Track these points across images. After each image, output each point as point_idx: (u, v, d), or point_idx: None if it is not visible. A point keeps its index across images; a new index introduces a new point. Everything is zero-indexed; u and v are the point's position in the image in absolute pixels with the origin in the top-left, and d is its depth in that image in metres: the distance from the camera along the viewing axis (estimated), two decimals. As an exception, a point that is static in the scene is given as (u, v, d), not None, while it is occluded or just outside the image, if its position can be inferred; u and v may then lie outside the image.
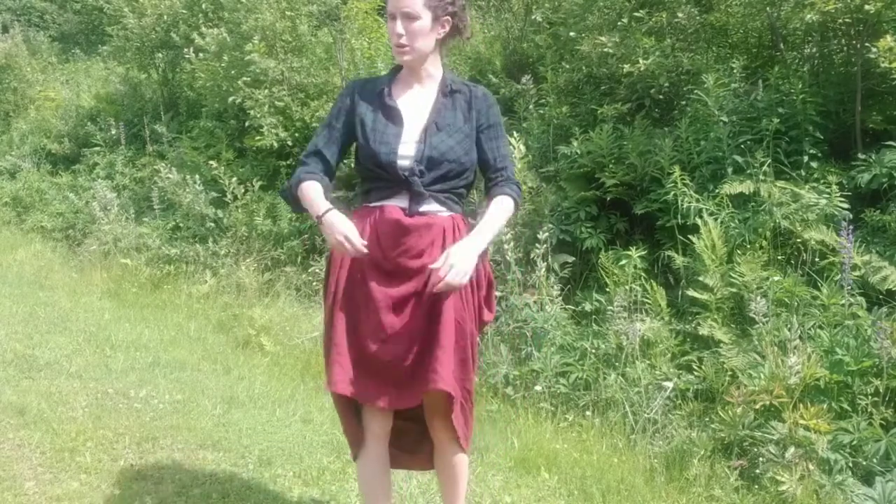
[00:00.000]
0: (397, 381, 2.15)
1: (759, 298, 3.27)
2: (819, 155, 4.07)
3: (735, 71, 4.42)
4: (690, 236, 3.83)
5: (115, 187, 7.68)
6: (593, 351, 3.76)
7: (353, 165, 2.37)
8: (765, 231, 3.76)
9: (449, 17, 2.17)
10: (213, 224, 6.31)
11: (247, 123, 6.41)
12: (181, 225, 6.65)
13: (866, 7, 3.77)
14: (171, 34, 8.00)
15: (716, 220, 3.84)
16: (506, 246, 4.07)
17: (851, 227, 3.30)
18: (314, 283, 5.41)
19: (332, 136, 2.26)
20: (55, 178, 8.89)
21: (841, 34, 4.42)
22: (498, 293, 4.11)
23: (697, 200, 3.98)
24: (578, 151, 4.66)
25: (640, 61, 4.66)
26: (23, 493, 2.88)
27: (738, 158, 4.10)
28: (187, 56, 7.33)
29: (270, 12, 6.38)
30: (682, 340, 3.72)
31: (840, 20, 4.09)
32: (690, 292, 3.72)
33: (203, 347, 4.78)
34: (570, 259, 4.43)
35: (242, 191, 6.14)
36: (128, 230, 6.79)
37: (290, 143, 6.33)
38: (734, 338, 3.50)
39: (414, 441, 2.43)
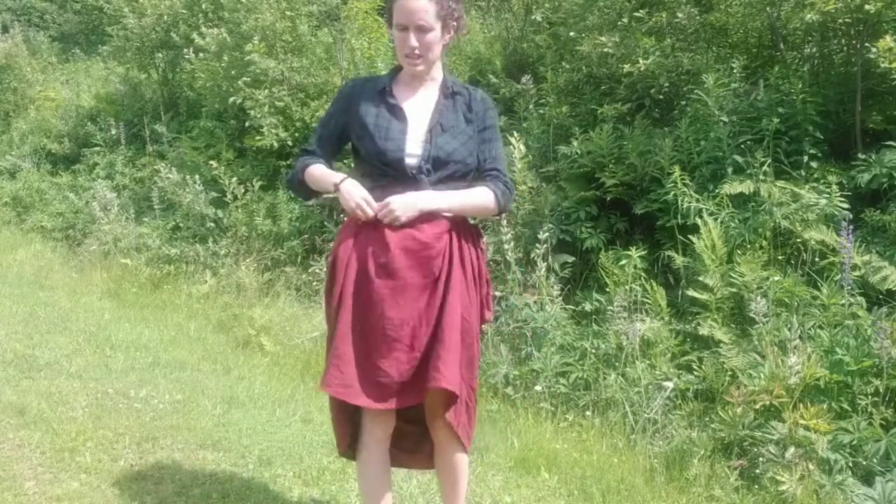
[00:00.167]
0: (402, 378, 2.15)
1: (759, 298, 3.27)
2: (819, 155, 4.07)
3: (735, 71, 4.42)
4: (690, 236, 3.83)
5: (115, 187, 7.68)
6: (593, 351, 3.76)
7: (352, 166, 2.38)
8: (765, 231, 3.76)
9: (455, 23, 2.19)
10: (213, 224, 6.31)
11: (247, 123, 6.42)
12: (181, 225, 6.66)
13: (866, 7, 3.77)
14: (171, 34, 8.01)
15: (716, 220, 3.84)
16: (506, 246, 4.08)
17: (851, 227, 3.30)
18: (314, 283, 5.41)
19: (328, 136, 2.30)
20: (55, 178, 8.89)
21: (841, 34, 4.42)
22: (498, 293, 4.12)
23: (697, 200, 3.98)
24: (578, 151, 4.66)
25: (640, 61, 4.66)
26: (23, 493, 2.88)
27: (738, 158, 4.10)
28: (187, 56, 7.33)
29: (270, 12, 6.38)
30: (682, 340, 3.72)
31: (840, 20, 4.09)
32: (690, 292, 3.72)
33: (203, 347, 4.78)
34: (570, 259, 4.43)
35: (242, 191, 6.14)
36: (128, 230, 6.79)
37: (290, 143, 6.33)
38: (734, 338, 3.50)
39: (414, 442, 2.44)
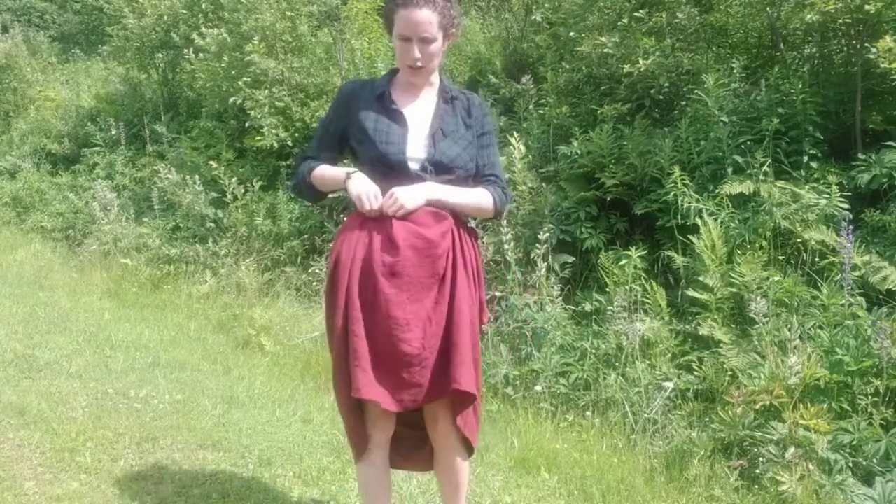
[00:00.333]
0: (411, 379, 2.13)
1: (759, 298, 3.27)
2: (819, 155, 4.07)
3: (735, 71, 4.42)
4: (690, 236, 3.83)
5: (115, 187, 7.68)
6: (593, 351, 3.76)
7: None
8: (765, 231, 3.76)
9: (454, 30, 2.20)
10: (213, 224, 6.31)
11: (247, 124, 6.42)
12: (181, 225, 6.66)
13: (866, 7, 3.77)
14: (171, 34, 8.01)
15: (716, 220, 3.84)
16: (506, 246, 4.08)
17: (851, 227, 3.29)
18: (314, 283, 5.41)
19: (329, 140, 2.30)
20: (55, 178, 8.90)
21: (841, 34, 4.42)
22: (498, 293, 4.13)
23: (697, 200, 3.98)
24: (578, 151, 4.66)
25: (640, 61, 4.67)
26: (23, 493, 2.88)
27: (738, 158, 4.10)
28: (187, 56, 7.33)
29: (270, 13, 6.38)
30: (682, 340, 3.72)
31: (840, 20, 4.09)
32: (690, 292, 3.72)
33: (203, 347, 4.78)
34: (571, 259, 4.43)
35: (242, 191, 6.14)
36: (128, 230, 6.79)
37: (290, 143, 6.34)
38: (734, 338, 3.50)
39: (412, 447, 2.44)
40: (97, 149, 8.66)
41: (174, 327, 5.14)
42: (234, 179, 6.13)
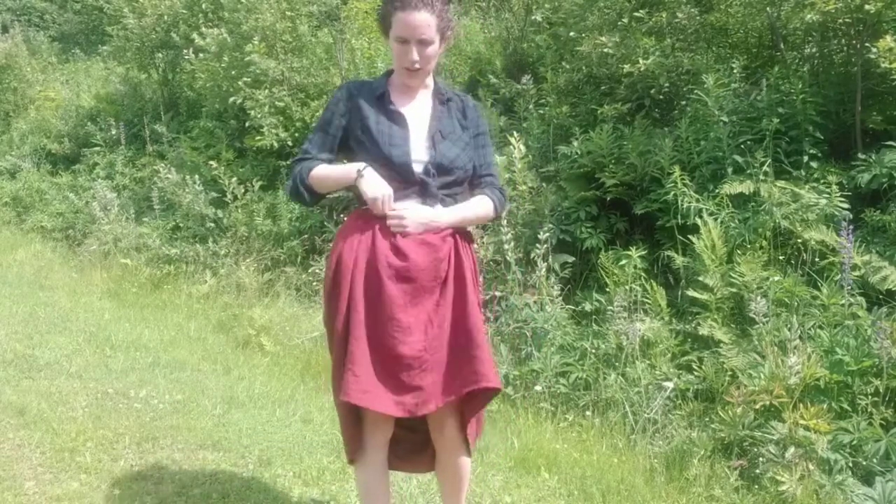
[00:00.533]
0: (412, 382, 2.12)
1: (759, 298, 3.27)
2: (819, 155, 4.07)
3: (735, 71, 4.42)
4: (690, 236, 3.83)
5: (115, 187, 7.69)
6: (593, 351, 3.76)
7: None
8: (765, 231, 3.76)
9: (450, 32, 2.20)
10: (213, 224, 6.31)
11: (247, 123, 6.42)
12: (181, 225, 6.66)
13: (866, 7, 3.77)
14: (171, 34, 8.01)
15: (716, 220, 3.84)
16: (506, 246, 4.08)
17: (851, 227, 3.29)
18: (314, 283, 5.41)
19: (327, 141, 2.26)
20: (55, 178, 8.90)
21: (841, 34, 4.42)
22: (498, 293, 4.12)
23: (697, 200, 3.98)
24: (578, 151, 4.66)
25: (640, 61, 4.67)
26: (23, 493, 2.88)
27: (738, 158, 4.10)
28: (187, 56, 7.33)
29: (270, 13, 6.38)
30: (682, 340, 3.72)
31: (840, 20, 4.09)
32: (690, 292, 3.72)
33: (203, 347, 4.78)
34: (571, 259, 4.43)
35: (242, 191, 6.14)
36: (128, 230, 6.79)
37: (290, 143, 6.34)
38: (734, 338, 3.50)
39: (410, 450, 2.44)
40: (97, 149, 8.66)
41: (174, 327, 5.14)
42: (234, 179, 6.13)
